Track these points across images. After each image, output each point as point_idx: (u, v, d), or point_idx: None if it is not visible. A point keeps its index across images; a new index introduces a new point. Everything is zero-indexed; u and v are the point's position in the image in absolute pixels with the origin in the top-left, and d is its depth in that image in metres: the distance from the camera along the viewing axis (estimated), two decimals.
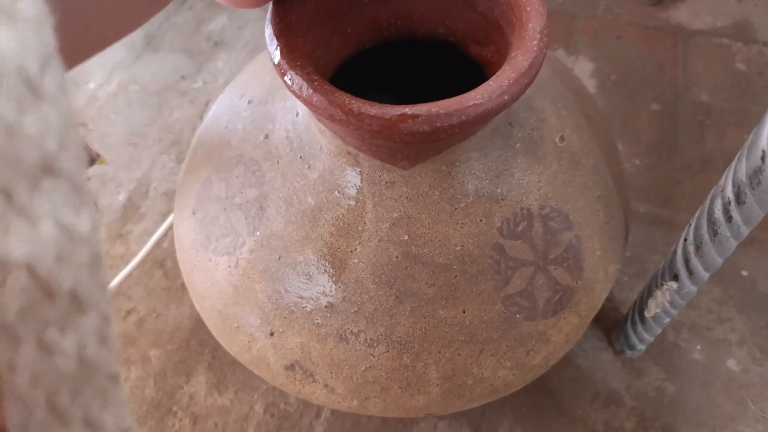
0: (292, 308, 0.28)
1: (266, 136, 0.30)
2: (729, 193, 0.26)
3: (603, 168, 0.31)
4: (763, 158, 0.23)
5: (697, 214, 0.30)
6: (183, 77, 0.65)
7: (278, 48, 0.24)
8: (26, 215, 0.09)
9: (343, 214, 0.27)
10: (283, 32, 0.25)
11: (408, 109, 0.22)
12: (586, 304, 0.30)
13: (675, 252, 0.33)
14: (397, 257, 0.26)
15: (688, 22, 0.64)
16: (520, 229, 0.27)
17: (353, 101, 0.22)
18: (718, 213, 0.28)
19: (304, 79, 0.23)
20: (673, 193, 0.51)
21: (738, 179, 0.25)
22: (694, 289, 0.33)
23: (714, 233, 0.28)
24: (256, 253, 0.28)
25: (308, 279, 0.27)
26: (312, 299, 0.27)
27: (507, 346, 0.28)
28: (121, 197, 0.56)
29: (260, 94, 0.32)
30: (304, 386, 0.30)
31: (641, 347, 0.41)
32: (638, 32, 0.64)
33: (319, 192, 0.27)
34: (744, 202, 0.25)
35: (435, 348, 0.28)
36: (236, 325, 0.30)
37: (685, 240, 0.31)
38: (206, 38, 0.70)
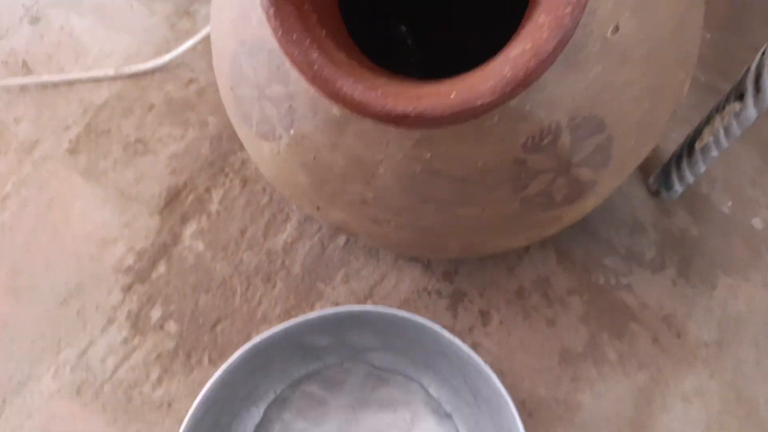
0: (332, 196, 0.30)
1: None
2: None
3: (661, 49, 0.27)
4: None
5: None
6: None
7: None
8: None
9: (368, 130, 0.26)
10: None
11: (411, 109, 0.22)
12: (607, 186, 0.30)
13: (748, 70, 0.34)
14: (419, 171, 0.27)
15: None
16: (545, 143, 0.26)
17: (354, 90, 0.22)
18: None
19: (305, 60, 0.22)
20: (737, 67, 0.52)
21: None
22: (753, 113, 0.35)
23: None
24: (293, 149, 0.29)
25: (342, 180, 0.29)
26: (348, 194, 0.29)
27: (522, 228, 0.31)
28: None
29: None
30: (350, 236, 0.33)
31: (678, 188, 0.43)
32: None
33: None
34: None
35: (454, 232, 0.30)
36: (288, 193, 0.33)
37: (763, 54, 0.32)
38: None
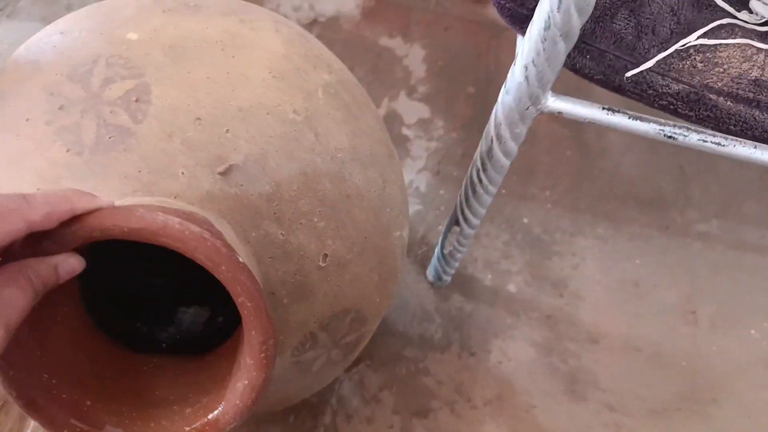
0: None
1: None
2: (478, 161, 0.38)
3: (372, 238, 0.34)
4: (492, 141, 0.35)
5: (469, 171, 0.42)
6: None
7: None
8: None
9: None
10: None
11: None
12: (374, 327, 0.37)
13: (455, 205, 0.45)
14: None
15: (501, 19, 0.78)
16: (307, 346, 0.32)
17: None
18: (475, 175, 0.40)
19: None
20: None
21: (482, 153, 0.37)
22: (471, 231, 0.46)
23: (473, 191, 0.41)
24: None
25: None
26: None
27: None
28: None
29: None
30: None
31: (446, 278, 0.54)
32: (463, 25, 0.76)
33: None
34: (486, 170, 0.38)
35: None
36: None
37: (461, 194, 0.44)
38: (65, 7, 0.70)
